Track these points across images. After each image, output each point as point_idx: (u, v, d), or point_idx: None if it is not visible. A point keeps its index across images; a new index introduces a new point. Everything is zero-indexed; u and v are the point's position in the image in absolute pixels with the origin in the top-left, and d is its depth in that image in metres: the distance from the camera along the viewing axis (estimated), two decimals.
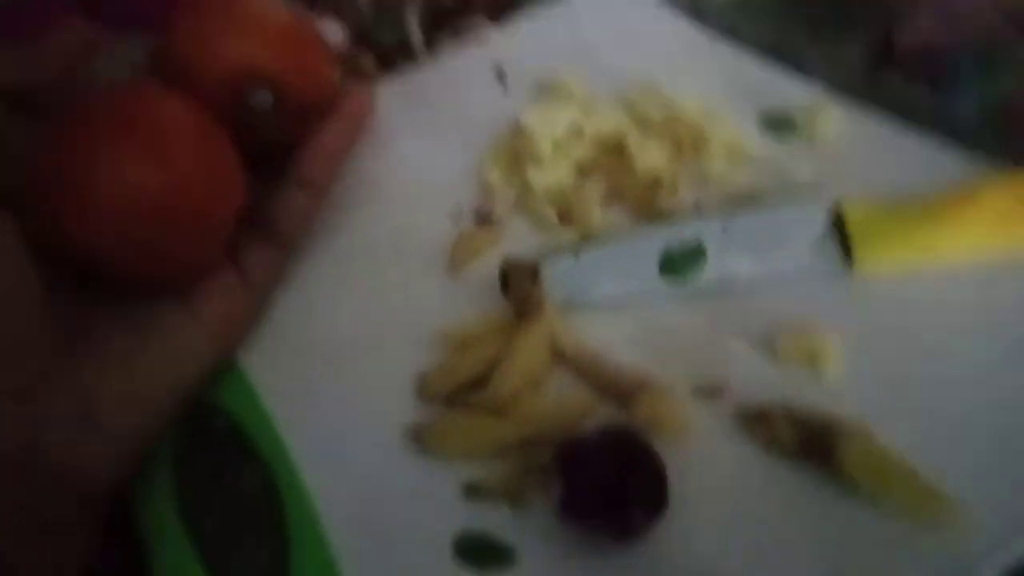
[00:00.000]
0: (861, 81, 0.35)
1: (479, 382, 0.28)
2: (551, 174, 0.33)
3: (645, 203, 0.32)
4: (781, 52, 0.37)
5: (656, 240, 0.31)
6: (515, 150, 0.34)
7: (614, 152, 0.33)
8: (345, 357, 0.31)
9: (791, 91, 0.36)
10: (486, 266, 0.32)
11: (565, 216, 0.33)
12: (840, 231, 0.30)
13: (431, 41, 0.43)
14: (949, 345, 0.27)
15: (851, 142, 0.32)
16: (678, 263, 0.30)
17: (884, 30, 0.36)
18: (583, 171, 0.34)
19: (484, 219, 0.33)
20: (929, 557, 0.23)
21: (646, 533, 0.23)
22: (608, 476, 0.23)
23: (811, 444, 0.25)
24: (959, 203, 0.29)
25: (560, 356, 0.29)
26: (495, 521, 0.26)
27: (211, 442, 0.30)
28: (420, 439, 0.27)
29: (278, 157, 0.33)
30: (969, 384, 0.26)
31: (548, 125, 0.33)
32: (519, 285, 0.28)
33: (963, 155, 0.31)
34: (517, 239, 0.33)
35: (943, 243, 0.29)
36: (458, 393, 0.28)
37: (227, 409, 0.30)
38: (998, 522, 0.24)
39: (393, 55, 0.42)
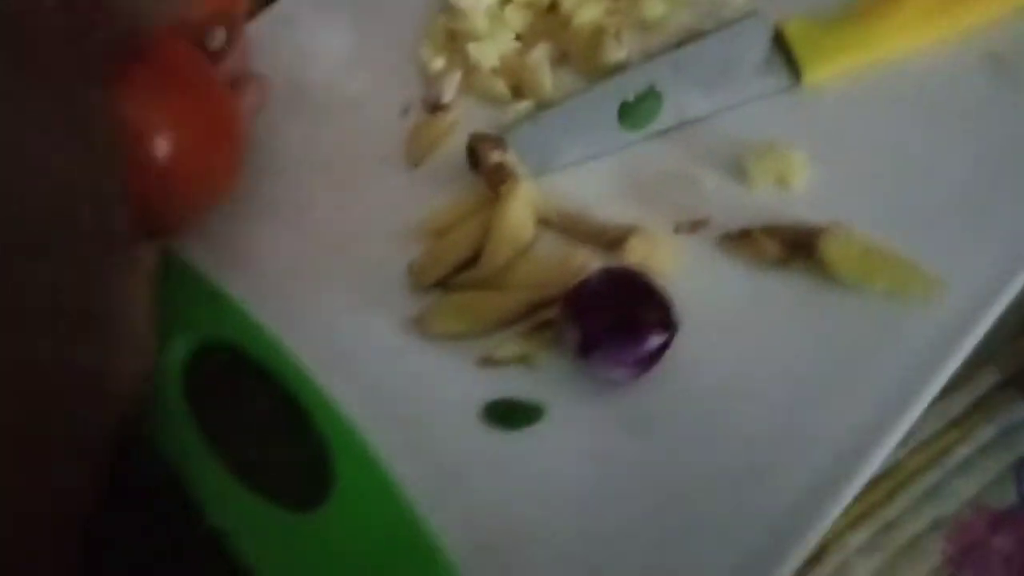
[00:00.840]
0: None
1: (468, 263, 0.29)
2: (493, 46, 0.32)
3: (591, 60, 0.32)
4: None
5: (611, 93, 0.31)
6: (450, 30, 0.33)
7: (551, 13, 0.33)
8: (330, 267, 0.31)
9: None
10: (448, 153, 0.32)
11: (516, 89, 0.32)
12: (784, 50, 0.30)
13: None
14: (904, 135, 0.29)
15: None
16: (636, 112, 0.31)
17: None
18: (524, 40, 0.33)
19: (435, 107, 0.33)
20: (916, 333, 0.25)
21: (661, 359, 0.25)
22: (619, 309, 0.24)
23: (794, 249, 0.26)
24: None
25: (543, 221, 0.29)
26: (515, 385, 0.27)
27: (220, 374, 0.30)
28: (424, 325, 0.28)
29: None
30: (929, 166, 0.28)
31: None
32: (488, 157, 0.28)
33: None
34: (472, 121, 0.32)
35: (882, 41, 0.30)
36: (450, 277, 0.29)
37: (229, 339, 0.30)
38: (976, 291, 0.25)
39: None
